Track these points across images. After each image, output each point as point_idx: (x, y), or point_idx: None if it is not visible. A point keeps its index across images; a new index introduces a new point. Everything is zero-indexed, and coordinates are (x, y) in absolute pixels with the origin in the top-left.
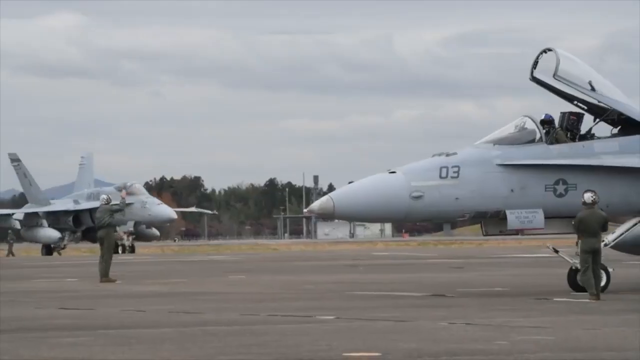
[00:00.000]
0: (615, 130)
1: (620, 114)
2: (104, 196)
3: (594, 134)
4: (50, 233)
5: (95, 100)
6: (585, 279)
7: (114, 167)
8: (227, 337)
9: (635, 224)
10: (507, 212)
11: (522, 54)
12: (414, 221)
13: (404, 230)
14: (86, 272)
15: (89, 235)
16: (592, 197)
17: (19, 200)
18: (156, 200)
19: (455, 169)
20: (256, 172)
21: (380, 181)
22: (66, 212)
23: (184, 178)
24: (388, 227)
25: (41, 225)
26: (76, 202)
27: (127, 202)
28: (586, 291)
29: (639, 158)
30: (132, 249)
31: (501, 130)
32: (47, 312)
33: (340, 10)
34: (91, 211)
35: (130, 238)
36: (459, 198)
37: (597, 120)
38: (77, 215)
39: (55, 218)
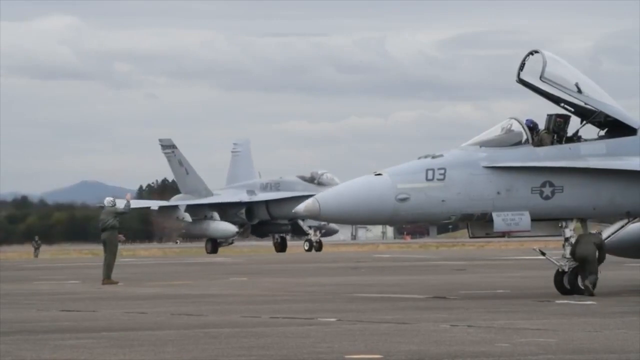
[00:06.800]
0: (602, 133)
1: (607, 116)
2: (110, 198)
3: (580, 136)
4: (224, 227)
5: (92, 102)
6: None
7: (111, 169)
8: (229, 339)
9: (623, 226)
10: (494, 214)
11: (520, 56)
12: (400, 223)
13: (405, 233)
14: (87, 274)
15: (258, 229)
16: None
17: (20, 203)
18: None
19: (442, 171)
20: None
21: (366, 183)
22: (238, 204)
23: None
24: (390, 229)
25: (212, 218)
26: (251, 192)
27: (131, 205)
28: (574, 294)
29: (626, 160)
30: (319, 246)
31: (487, 132)
32: (49, 314)
33: (338, 12)
34: (268, 203)
35: (319, 233)
36: (445, 200)
37: (584, 122)
38: (249, 207)
39: (222, 210)
